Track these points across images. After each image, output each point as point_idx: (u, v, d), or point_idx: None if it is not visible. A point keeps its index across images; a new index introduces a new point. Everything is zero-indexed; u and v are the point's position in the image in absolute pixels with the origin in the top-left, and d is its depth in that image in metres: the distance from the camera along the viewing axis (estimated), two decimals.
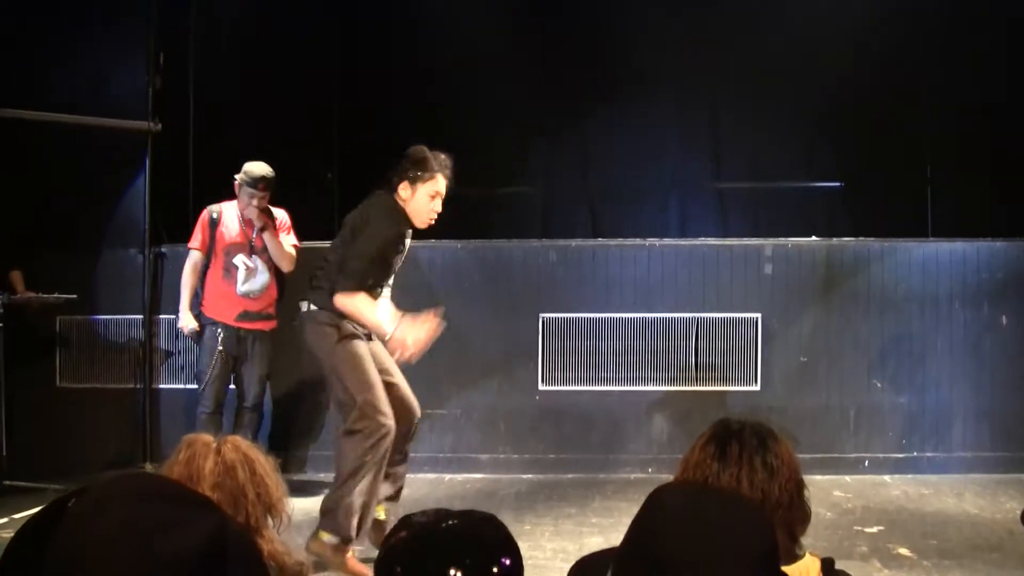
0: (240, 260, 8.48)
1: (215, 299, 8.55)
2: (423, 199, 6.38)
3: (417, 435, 6.84)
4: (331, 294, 6.25)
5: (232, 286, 8.50)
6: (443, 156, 6.51)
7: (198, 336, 8.62)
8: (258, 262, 8.54)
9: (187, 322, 8.57)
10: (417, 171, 6.37)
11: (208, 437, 3.13)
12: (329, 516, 6.23)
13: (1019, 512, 6.60)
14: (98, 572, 1.49)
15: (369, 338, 6.42)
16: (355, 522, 6.18)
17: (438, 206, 6.46)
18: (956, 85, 11.01)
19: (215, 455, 3.03)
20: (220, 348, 8.46)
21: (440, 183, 6.43)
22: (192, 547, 1.54)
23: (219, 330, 8.49)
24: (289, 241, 8.67)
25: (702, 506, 1.87)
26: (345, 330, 6.28)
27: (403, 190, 6.36)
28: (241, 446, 3.10)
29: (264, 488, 3.05)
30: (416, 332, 6.20)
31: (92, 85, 9.68)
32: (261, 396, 8.73)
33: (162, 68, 9.42)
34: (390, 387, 6.44)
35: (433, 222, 6.57)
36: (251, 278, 8.51)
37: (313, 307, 6.39)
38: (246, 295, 8.50)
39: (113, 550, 1.51)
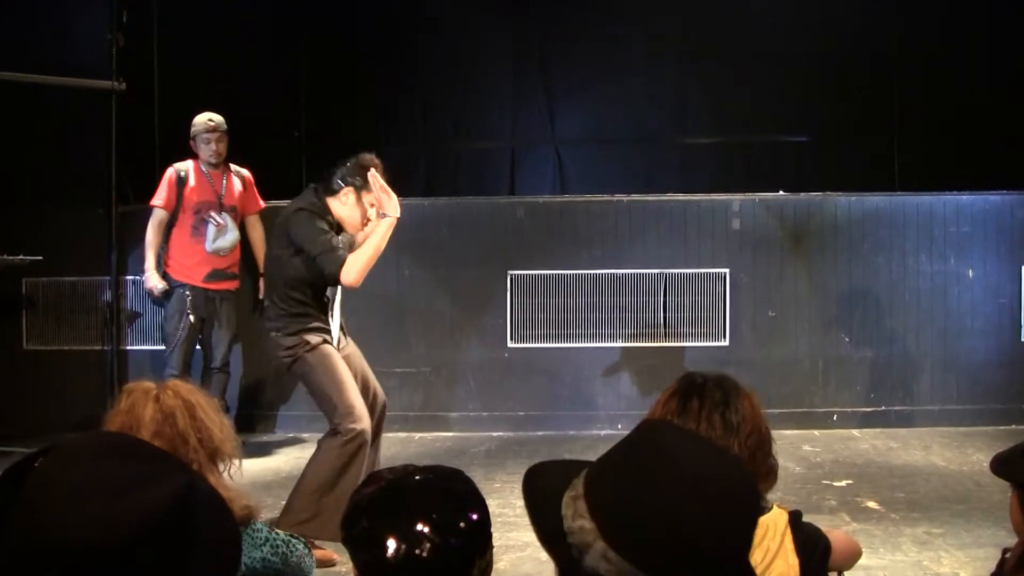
0: (212, 218, 8.45)
1: (182, 259, 8.47)
2: (365, 207, 6.17)
3: (386, 413, 6.73)
4: (283, 310, 6.13)
5: (200, 245, 8.45)
6: (375, 159, 6.20)
7: (166, 297, 8.55)
8: (227, 219, 8.52)
9: (156, 282, 8.45)
10: (360, 180, 6.13)
11: (148, 384, 3.06)
12: (287, 513, 6.15)
13: (987, 464, 6.64)
14: (68, 526, 1.48)
15: (334, 343, 6.30)
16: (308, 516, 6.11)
17: (374, 216, 6.19)
18: (922, 39, 11.04)
19: (154, 402, 2.98)
20: (189, 311, 8.41)
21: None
22: (161, 502, 1.53)
23: (187, 292, 8.42)
24: (257, 205, 8.79)
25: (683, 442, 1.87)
26: (310, 342, 6.14)
27: (345, 196, 6.14)
28: (181, 391, 3.04)
29: (206, 433, 3.00)
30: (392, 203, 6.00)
31: (54, 42, 9.56)
32: (227, 358, 8.71)
33: (125, 25, 9.31)
34: (362, 386, 6.36)
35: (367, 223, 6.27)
36: (222, 235, 8.48)
37: (274, 333, 6.22)
38: (216, 252, 8.46)
39: (84, 505, 1.50)
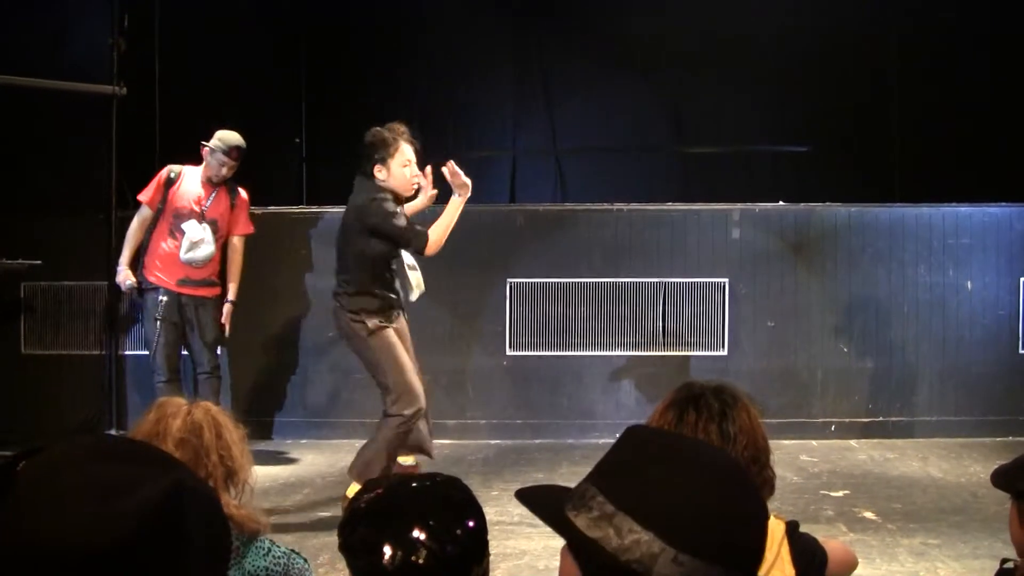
0: (189, 227, 8.36)
1: (156, 260, 8.39)
2: (399, 172, 6.81)
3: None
4: (354, 293, 6.85)
5: (176, 250, 8.39)
6: (395, 125, 6.91)
7: (140, 300, 8.56)
8: (207, 233, 8.42)
9: (124, 277, 8.42)
10: (382, 151, 6.77)
11: (181, 400, 3.17)
12: (362, 468, 6.73)
13: (984, 475, 6.64)
14: (62, 529, 1.47)
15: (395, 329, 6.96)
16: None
17: (415, 170, 6.91)
18: (924, 49, 11.05)
19: (185, 415, 3.07)
20: (159, 316, 8.36)
21: (406, 150, 6.83)
22: (154, 502, 1.52)
23: (160, 296, 8.38)
24: (245, 228, 8.76)
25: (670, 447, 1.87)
26: (373, 324, 6.78)
27: (379, 173, 6.77)
28: (212, 411, 3.16)
29: (228, 452, 3.09)
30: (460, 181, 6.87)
31: (54, 46, 9.57)
32: (214, 362, 8.61)
33: (126, 30, 9.32)
34: None
35: (417, 185, 7.02)
36: (195, 248, 8.36)
37: (340, 309, 6.91)
38: (188, 263, 8.40)
39: (77, 507, 1.49)
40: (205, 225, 8.40)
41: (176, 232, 8.37)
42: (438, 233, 6.80)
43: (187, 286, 8.41)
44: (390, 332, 6.86)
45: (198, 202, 8.42)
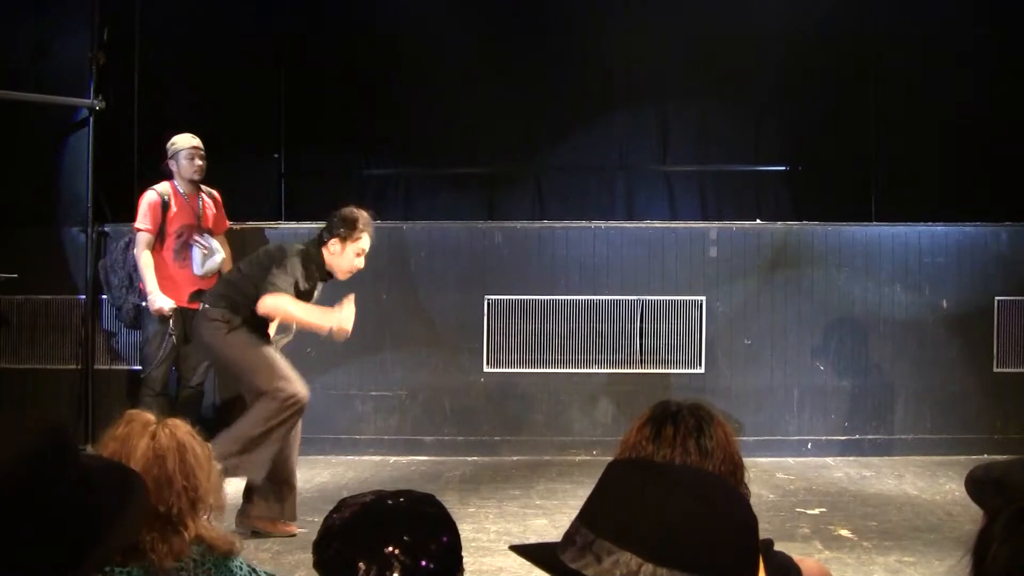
0: (198, 241, 8.45)
1: (165, 281, 8.41)
2: (349, 256, 6.89)
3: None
4: (223, 305, 6.75)
5: (185, 269, 8.45)
6: (369, 218, 6.96)
7: (139, 318, 8.56)
8: (211, 241, 8.51)
9: (164, 302, 8.33)
10: (347, 230, 6.82)
11: (149, 416, 3.08)
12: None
13: (959, 493, 6.66)
14: None
15: (262, 337, 6.84)
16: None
17: (361, 263, 6.96)
18: (902, 70, 11.08)
19: (150, 438, 2.98)
20: (172, 332, 8.37)
21: (365, 242, 6.91)
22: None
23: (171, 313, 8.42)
24: (225, 224, 8.92)
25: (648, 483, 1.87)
26: (234, 323, 6.69)
27: (333, 245, 6.83)
28: (178, 433, 3.04)
29: (192, 480, 2.99)
30: (347, 315, 6.63)
31: (34, 60, 9.56)
32: (202, 377, 8.70)
33: (106, 44, 9.31)
34: None
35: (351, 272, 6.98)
36: (210, 258, 8.49)
37: (206, 306, 6.83)
38: (206, 275, 8.49)
39: None
40: (207, 235, 8.52)
41: (183, 250, 8.44)
42: (284, 305, 6.57)
43: (195, 300, 8.48)
44: (248, 332, 6.72)
45: (193, 216, 8.49)
